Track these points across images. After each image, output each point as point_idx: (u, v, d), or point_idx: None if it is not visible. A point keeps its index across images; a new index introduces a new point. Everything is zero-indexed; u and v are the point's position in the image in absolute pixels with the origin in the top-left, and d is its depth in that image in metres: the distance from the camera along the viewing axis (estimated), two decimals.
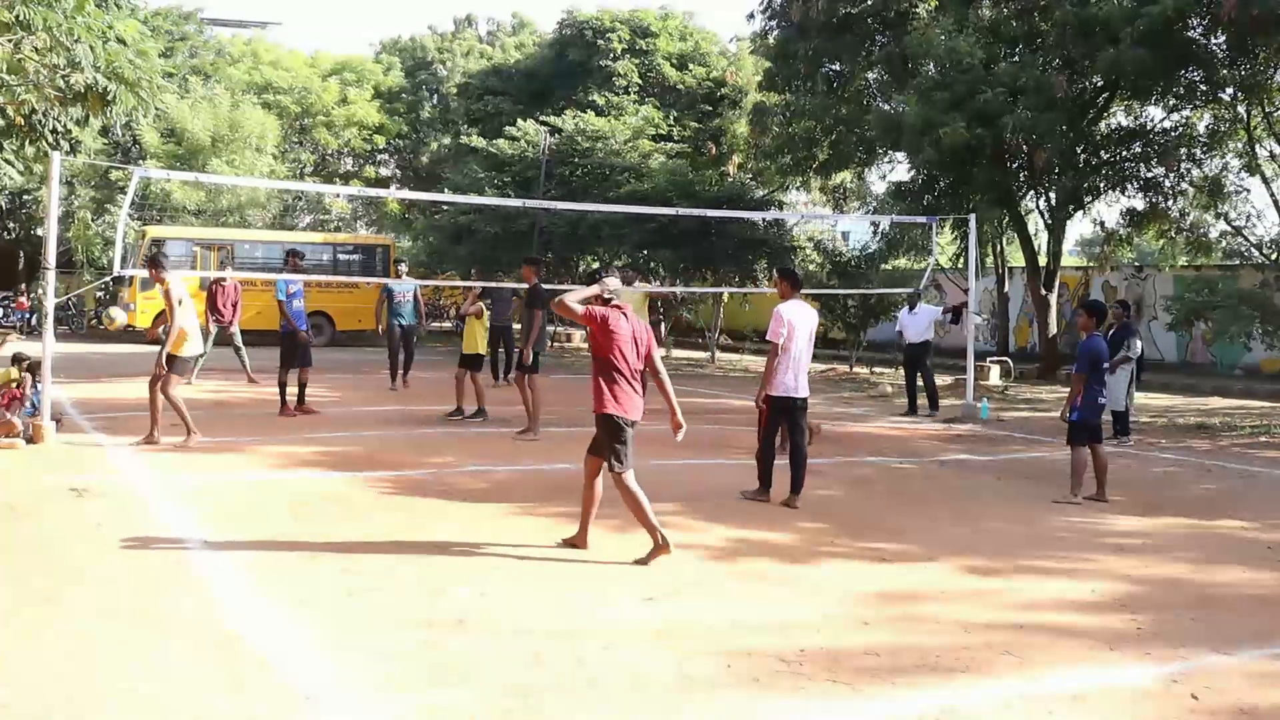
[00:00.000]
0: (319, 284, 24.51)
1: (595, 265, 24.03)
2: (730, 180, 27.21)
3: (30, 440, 9.43)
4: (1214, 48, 16.69)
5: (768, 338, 7.95)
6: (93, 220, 29.03)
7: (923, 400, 14.47)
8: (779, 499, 7.90)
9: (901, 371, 16.15)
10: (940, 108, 17.19)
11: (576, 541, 6.34)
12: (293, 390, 12.17)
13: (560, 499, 7.77)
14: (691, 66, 32.35)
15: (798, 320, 7.97)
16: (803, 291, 8.53)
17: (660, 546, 6.04)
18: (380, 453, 9.57)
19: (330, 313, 25.72)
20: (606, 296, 6.26)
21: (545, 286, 12.09)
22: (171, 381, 9.76)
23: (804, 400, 8.08)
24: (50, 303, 10.04)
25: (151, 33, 16.77)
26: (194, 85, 33.01)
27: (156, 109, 11.71)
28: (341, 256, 27.21)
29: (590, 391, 6.21)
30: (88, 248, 29.23)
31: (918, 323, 14.55)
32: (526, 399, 11.08)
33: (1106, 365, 8.98)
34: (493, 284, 16.83)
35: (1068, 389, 9.12)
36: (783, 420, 8.11)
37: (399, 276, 16.52)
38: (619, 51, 32.23)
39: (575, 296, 6.29)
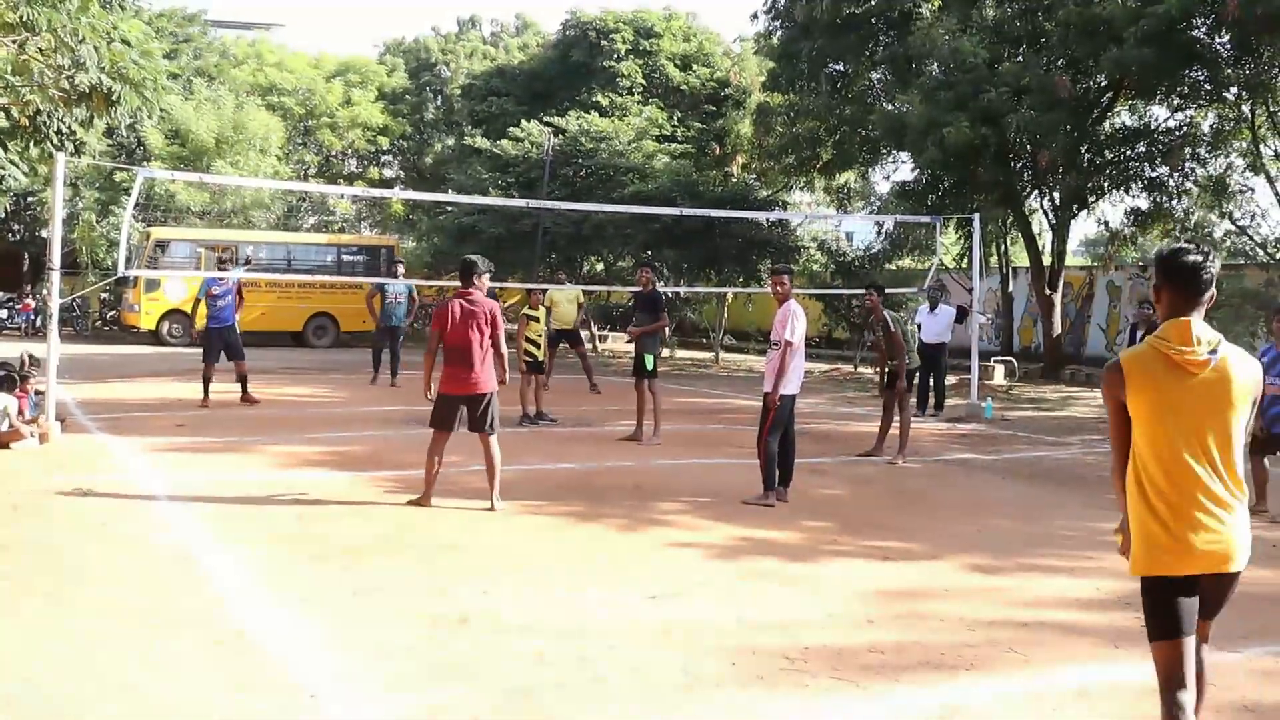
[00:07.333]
0: (323, 285, 24.52)
1: (600, 265, 23.83)
2: (734, 180, 27.16)
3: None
4: (1218, 47, 16.63)
5: (789, 337, 7.81)
6: (97, 222, 29.01)
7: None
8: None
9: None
10: (944, 107, 17.16)
11: (421, 501, 7.39)
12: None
13: (564, 497, 7.78)
14: (695, 67, 32.31)
15: (804, 318, 8.12)
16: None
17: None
18: (384, 452, 9.58)
19: (334, 314, 25.74)
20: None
21: (546, 287, 11.99)
22: None
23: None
24: (55, 304, 10.05)
25: (156, 34, 16.78)
26: (198, 87, 32.96)
27: (161, 110, 11.72)
28: (346, 258, 27.19)
29: None
30: (92, 249, 29.22)
31: (938, 323, 14.51)
32: (645, 405, 10.83)
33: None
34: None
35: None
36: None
37: (396, 276, 16.57)
38: (622, 52, 32.20)
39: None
